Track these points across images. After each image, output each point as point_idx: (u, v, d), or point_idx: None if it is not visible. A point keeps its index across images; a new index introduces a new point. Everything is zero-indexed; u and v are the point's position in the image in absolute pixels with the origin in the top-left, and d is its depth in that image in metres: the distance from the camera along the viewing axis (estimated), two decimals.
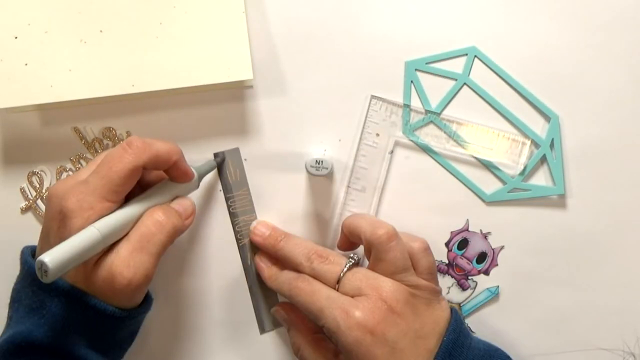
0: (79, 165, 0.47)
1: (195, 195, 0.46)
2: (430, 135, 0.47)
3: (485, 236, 0.48)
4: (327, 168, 0.45)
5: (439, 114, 0.47)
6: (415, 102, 0.47)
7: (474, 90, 0.47)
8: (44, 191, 0.47)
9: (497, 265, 0.48)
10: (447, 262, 0.48)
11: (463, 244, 0.48)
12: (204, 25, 0.43)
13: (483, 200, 0.48)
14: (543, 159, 0.47)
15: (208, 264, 0.48)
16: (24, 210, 0.47)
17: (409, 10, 0.47)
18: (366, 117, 0.47)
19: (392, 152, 0.47)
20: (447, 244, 0.48)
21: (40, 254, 0.34)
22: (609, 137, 0.47)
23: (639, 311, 0.49)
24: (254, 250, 0.47)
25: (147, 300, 0.43)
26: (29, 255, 0.42)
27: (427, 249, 0.43)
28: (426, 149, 0.47)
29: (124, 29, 0.43)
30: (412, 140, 0.47)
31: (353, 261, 0.42)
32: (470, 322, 0.49)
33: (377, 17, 0.47)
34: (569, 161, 0.47)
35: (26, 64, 0.42)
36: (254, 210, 0.48)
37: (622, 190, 0.48)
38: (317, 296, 0.40)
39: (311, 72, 0.47)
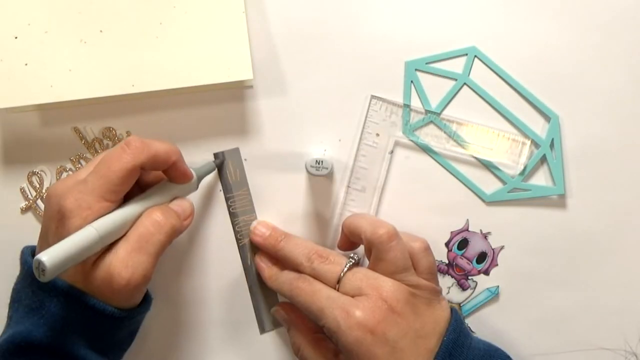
0: (79, 165, 0.47)
1: (195, 196, 0.46)
2: (430, 135, 0.47)
3: (485, 236, 0.48)
4: (327, 168, 0.45)
5: (439, 114, 0.47)
6: (415, 102, 0.47)
7: (474, 90, 0.47)
8: (44, 191, 0.47)
9: (497, 265, 0.48)
10: (447, 262, 0.48)
11: (463, 244, 0.48)
12: (204, 25, 0.43)
13: (483, 200, 0.48)
14: (543, 159, 0.47)
15: (208, 264, 0.48)
16: (24, 210, 0.47)
17: (409, 10, 0.47)
18: (366, 117, 0.47)
19: (392, 152, 0.47)
20: (447, 244, 0.48)
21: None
22: (609, 137, 0.47)
23: (639, 311, 0.49)
24: (254, 250, 0.47)
25: (146, 300, 0.43)
26: (29, 255, 0.42)
27: (427, 249, 0.43)
28: (426, 149, 0.47)
29: (124, 29, 0.43)
30: (412, 140, 0.47)
31: (353, 261, 0.42)
32: (470, 322, 0.49)
33: (377, 17, 0.47)
34: (569, 161, 0.47)
35: (26, 64, 0.42)
36: (254, 210, 0.48)
37: (622, 190, 0.48)
38: (317, 296, 0.40)
39: (311, 72, 0.47)
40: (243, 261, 0.48)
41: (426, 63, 0.47)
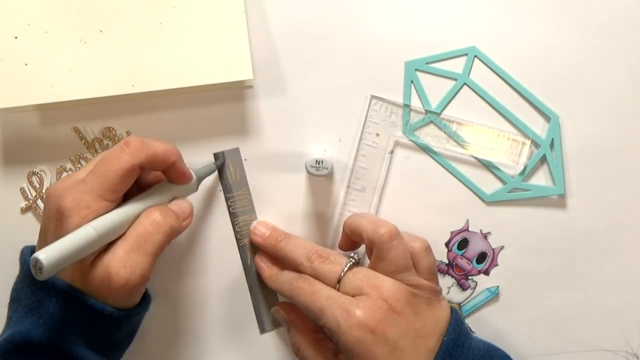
0: (79, 165, 0.47)
1: (195, 196, 0.46)
2: (430, 135, 0.47)
3: (485, 236, 0.48)
4: (327, 168, 0.45)
5: (439, 114, 0.47)
6: (415, 102, 0.47)
7: (474, 90, 0.47)
8: (44, 191, 0.47)
9: (497, 265, 0.48)
10: (447, 262, 0.48)
11: (463, 244, 0.48)
12: (204, 25, 0.43)
13: (483, 200, 0.48)
14: (543, 159, 0.47)
15: (208, 264, 0.48)
16: (24, 210, 0.47)
17: (409, 10, 0.47)
18: (366, 117, 0.47)
19: (392, 152, 0.47)
20: (447, 244, 0.48)
21: None
22: (609, 137, 0.47)
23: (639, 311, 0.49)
24: (254, 250, 0.47)
25: (145, 300, 0.43)
26: (29, 255, 0.42)
27: (428, 249, 0.43)
28: (426, 149, 0.47)
29: (124, 29, 0.43)
30: (412, 140, 0.47)
31: (353, 261, 0.42)
32: (470, 322, 0.49)
33: (377, 17, 0.47)
34: (569, 161, 0.47)
35: (26, 64, 0.42)
36: (254, 210, 0.48)
37: (622, 190, 0.48)
38: (317, 296, 0.40)
39: (311, 72, 0.47)
40: (243, 261, 0.48)
41: (426, 63, 0.47)
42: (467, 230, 0.48)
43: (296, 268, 0.43)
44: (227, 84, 0.46)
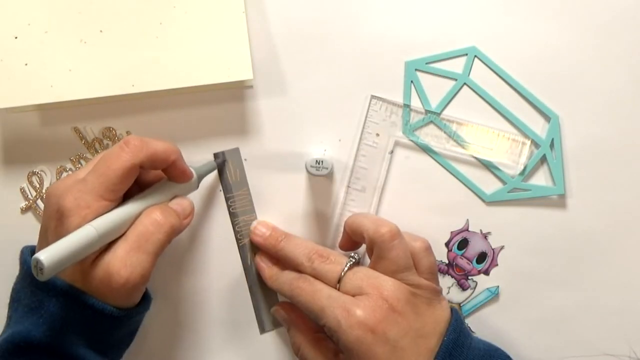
0: (79, 165, 0.47)
1: (195, 196, 0.46)
2: (430, 135, 0.47)
3: (485, 236, 0.48)
4: (327, 168, 0.45)
5: (439, 114, 0.47)
6: (415, 102, 0.47)
7: (474, 90, 0.47)
8: (44, 191, 0.47)
9: (497, 265, 0.48)
10: (447, 262, 0.48)
11: (463, 244, 0.48)
12: (204, 25, 0.43)
13: (483, 200, 0.48)
14: (543, 159, 0.47)
15: (208, 264, 0.48)
16: (24, 210, 0.47)
17: (409, 10, 0.47)
18: (366, 117, 0.47)
19: (392, 152, 0.47)
20: (447, 244, 0.48)
21: None
22: (609, 137, 0.47)
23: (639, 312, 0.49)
24: (254, 250, 0.47)
25: (145, 300, 0.43)
26: (29, 255, 0.42)
27: (428, 249, 0.43)
28: (426, 149, 0.47)
29: (124, 29, 0.43)
30: (412, 140, 0.47)
31: (354, 260, 0.42)
32: (470, 322, 0.49)
33: (377, 17, 0.47)
34: (569, 161, 0.47)
35: (26, 64, 0.42)
36: (254, 210, 0.48)
37: (622, 190, 0.48)
38: (318, 295, 0.40)
39: (311, 72, 0.47)
40: (243, 261, 0.48)
41: (426, 63, 0.47)
42: (467, 230, 0.48)
43: (296, 268, 0.43)
44: (227, 84, 0.46)
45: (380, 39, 0.47)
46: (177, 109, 0.47)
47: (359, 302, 0.39)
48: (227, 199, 0.47)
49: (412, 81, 0.47)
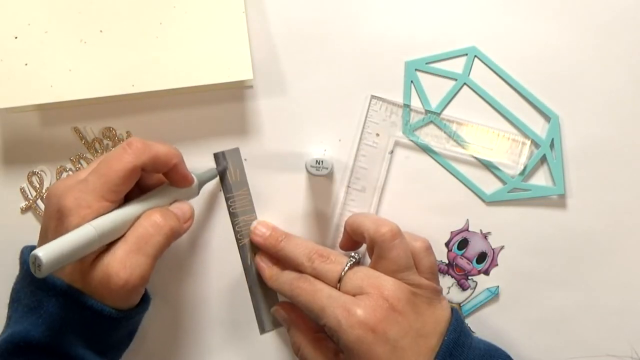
0: (79, 165, 0.47)
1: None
2: (430, 135, 0.47)
3: (485, 236, 0.48)
4: (327, 168, 0.45)
5: (439, 114, 0.47)
6: (415, 102, 0.47)
7: (474, 90, 0.47)
8: (44, 191, 0.47)
9: (497, 265, 0.48)
10: (447, 262, 0.48)
11: (463, 244, 0.48)
12: (204, 25, 0.43)
13: (483, 200, 0.48)
14: (543, 159, 0.47)
15: (208, 264, 0.48)
16: (24, 210, 0.47)
17: (409, 10, 0.47)
18: (366, 117, 0.47)
19: (392, 152, 0.47)
20: (447, 244, 0.48)
21: None
22: (609, 137, 0.47)
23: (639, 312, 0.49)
24: (254, 250, 0.47)
25: (144, 301, 0.43)
26: (29, 255, 0.41)
27: (429, 249, 0.43)
28: (426, 149, 0.47)
29: (124, 29, 0.43)
30: (412, 140, 0.47)
31: (354, 260, 0.42)
32: (470, 322, 0.49)
33: (377, 17, 0.47)
34: (569, 161, 0.47)
35: (26, 64, 0.42)
36: (254, 210, 0.48)
37: (622, 190, 0.48)
38: (318, 295, 0.40)
39: (311, 72, 0.47)
40: (243, 261, 0.48)
41: (426, 63, 0.47)
42: (467, 230, 0.48)
43: (297, 268, 0.43)
44: (227, 84, 0.46)
45: (380, 39, 0.47)
46: (177, 109, 0.47)
47: (360, 301, 0.39)
48: (227, 199, 0.47)
49: (412, 81, 0.47)
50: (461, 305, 0.49)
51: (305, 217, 0.48)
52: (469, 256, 0.48)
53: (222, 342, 0.48)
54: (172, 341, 0.48)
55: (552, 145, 0.47)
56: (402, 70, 0.47)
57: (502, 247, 0.48)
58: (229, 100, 0.47)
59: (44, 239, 0.39)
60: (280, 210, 0.48)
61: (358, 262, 0.42)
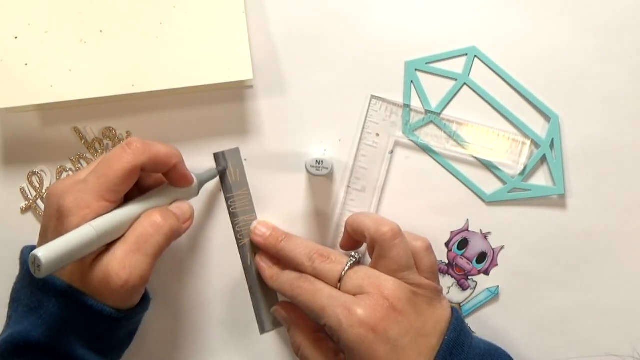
0: (79, 165, 0.47)
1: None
2: (430, 135, 0.47)
3: (485, 236, 0.48)
4: (327, 168, 0.45)
5: (439, 114, 0.47)
6: (415, 102, 0.47)
7: (474, 90, 0.47)
8: (44, 191, 0.47)
9: (497, 265, 0.48)
10: (447, 262, 0.48)
11: (463, 244, 0.48)
12: (204, 25, 0.43)
13: (483, 200, 0.48)
14: (543, 159, 0.47)
15: (208, 264, 0.48)
16: (24, 210, 0.47)
17: (409, 10, 0.47)
18: (366, 117, 0.47)
19: (392, 152, 0.47)
20: (447, 244, 0.48)
21: None
22: (609, 137, 0.47)
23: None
24: (254, 250, 0.47)
25: (144, 301, 0.43)
26: (29, 255, 0.41)
27: (429, 248, 0.43)
28: (426, 149, 0.47)
29: (124, 29, 0.43)
30: (412, 140, 0.47)
31: (354, 260, 0.42)
32: (470, 322, 0.49)
33: (377, 17, 0.47)
34: (569, 161, 0.47)
35: (26, 64, 0.42)
36: (254, 210, 0.48)
37: (622, 190, 0.48)
38: (319, 295, 0.40)
39: (311, 72, 0.47)
40: (243, 261, 0.48)
41: (426, 63, 0.47)
42: (467, 230, 0.48)
43: (297, 268, 0.43)
44: (227, 84, 0.46)
45: (380, 39, 0.47)
46: (177, 109, 0.47)
47: (360, 301, 0.39)
48: (227, 199, 0.47)
49: (412, 81, 0.47)
50: (461, 305, 0.49)
51: (305, 217, 0.48)
52: (469, 256, 0.48)
53: (222, 342, 0.48)
54: (172, 341, 0.48)
55: (552, 145, 0.47)
56: (402, 70, 0.47)
57: (502, 247, 0.48)
58: (229, 100, 0.47)
59: (44, 239, 0.39)
60: (280, 210, 0.48)
61: (358, 262, 0.42)
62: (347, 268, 0.41)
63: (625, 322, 0.49)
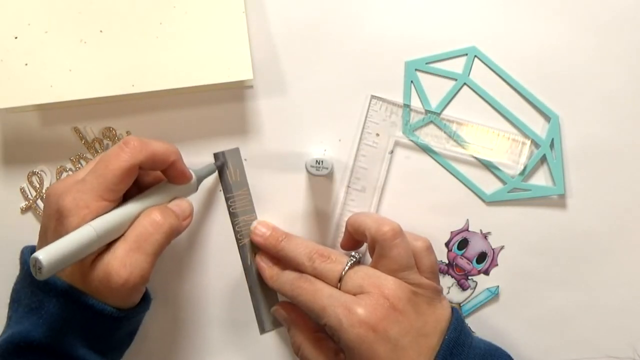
0: (79, 165, 0.47)
1: (195, 196, 0.46)
2: (430, 135, 0.47)
3: (485, 236, 0.48)
4: (327, 168, 0.45)
5: (439, 114, 0.47)
6: (415, 102, 0.47)
7: (474, 90, 0.47)
8: (44, 191, 0.47)
9: (497, 265, 0.48)
10: (447, 262, 0.48)
11: (463, 244, 0.48)
12: (204, 25, 0.43)
13: (483, 200, 0.48)
14: (543, 159, 0.47)
15: (208, 264, 0.48)
16: (24, 210, 0.47)
17: (409, 10, 0.47)
18: (366, 117, 0.47)
19: (392, 152, 0.47)
20: (447, 244, 0.48)
21: None
22: (609, 137, 0.47)
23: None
24: (254, 250, 0.47)
25: (145, 300, 0.43)
26: (29, 255, 0.42)
27: (429, 248, 0.43)
28: (426, 149, 0.47)
29: (124, 29, 0.43)
30: (412, 140, 0.47)
31: (355, 259, 0.42)
32: (470, 322, 0.49)
33: (377, 17, 0.47)
34: (569, 161, 0.47)
35: (26, 64, 0.42)
36: (254, 210, 0.48)
37: (622, 190, 0.48)
38: (319, 295, 0.40)
39: (311, 72, 0.47)
40: (243, 261, 0.48)
41: (426, 63, 0.47)
42: (467, 230, 0.48)
43: (297, 268, 0.43)
44: (227, 84, 0.46)
45: (380, 39, 0.47)
46: (177, 109, 0.47)
47: (360, 300, 0.39)
48: (227, 199, 0.47)
49: (412, 81, 0.47)
50: (461, 305, 0.49)
51: (305, 217, 0.48)
52: (469, 256, 0.48)
53: (222, 342, 0.48)
54: (172, 341, 0.48)
55: (552, 145, 0.47)
56: (402, 70, 0.47)
57: (502, 247, 0.48)
58: (229, 100, 0.47)
59: (44, 239, 0.39)
60: (280, 210, 0.48)
61: (359, 262, 0.42)
62: (347, 268, 0.41)
63: (626, 322, 0.49)
